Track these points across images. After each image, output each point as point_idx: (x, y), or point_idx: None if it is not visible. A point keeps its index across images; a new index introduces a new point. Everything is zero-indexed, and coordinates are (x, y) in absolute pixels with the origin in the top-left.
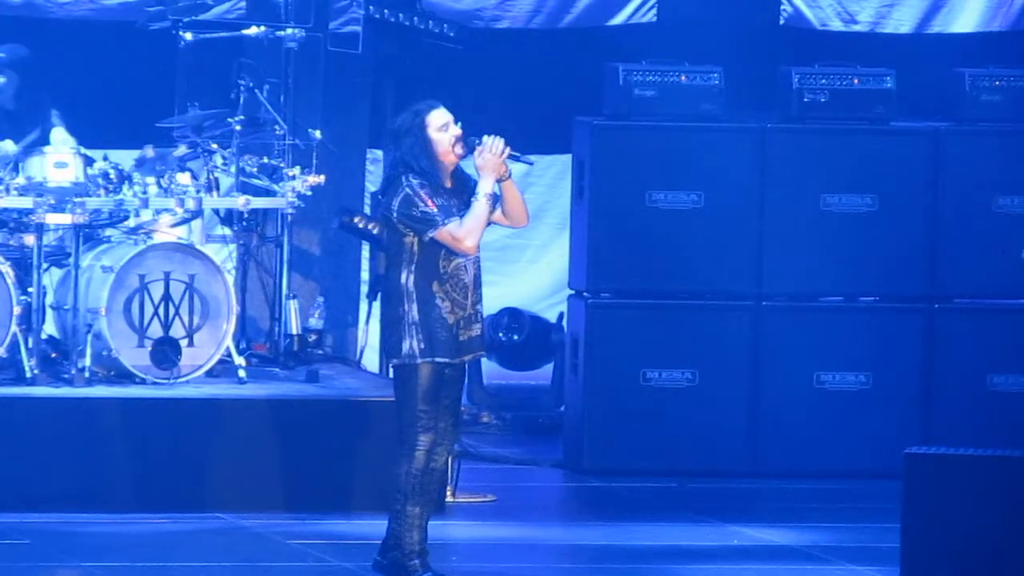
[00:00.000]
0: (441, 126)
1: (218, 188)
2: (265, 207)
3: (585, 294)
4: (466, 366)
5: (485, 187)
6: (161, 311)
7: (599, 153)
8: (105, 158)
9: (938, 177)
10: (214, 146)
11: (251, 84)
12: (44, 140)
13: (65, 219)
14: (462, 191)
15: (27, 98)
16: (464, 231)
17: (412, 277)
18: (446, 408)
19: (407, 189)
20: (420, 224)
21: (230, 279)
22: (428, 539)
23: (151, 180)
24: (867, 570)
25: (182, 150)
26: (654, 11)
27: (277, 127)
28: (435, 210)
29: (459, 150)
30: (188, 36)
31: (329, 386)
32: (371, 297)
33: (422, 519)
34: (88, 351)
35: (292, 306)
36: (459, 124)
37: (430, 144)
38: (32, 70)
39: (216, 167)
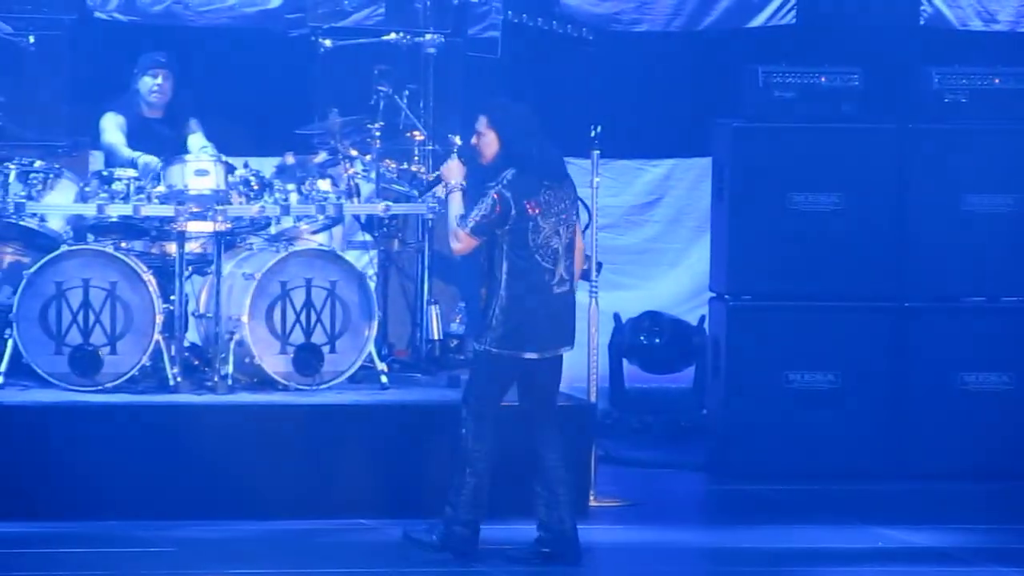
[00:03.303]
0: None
1: (358, 194)
2: (405, 213)
3: (726, 296)
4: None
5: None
6: (302, 318)
7: (739, 155)
8: (246, 165)
9: None
10: (354, 152)
11: (390, 90)
12: (184, 148)
13: (206, 227)
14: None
15: (172, 106)
16: None
17: None
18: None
19: None
20: None
21: (371, 285)
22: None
23: (292, 187)
24: (1013, 572)
25: (322, 157)
26: (793, 12)
27: (417, 132)
28: None
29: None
30: (327, 43)
31: None
32: None
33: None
34: (230, 358)
35: (433, 311)
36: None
37: None
38: (178, 77)
39: (356, 173)
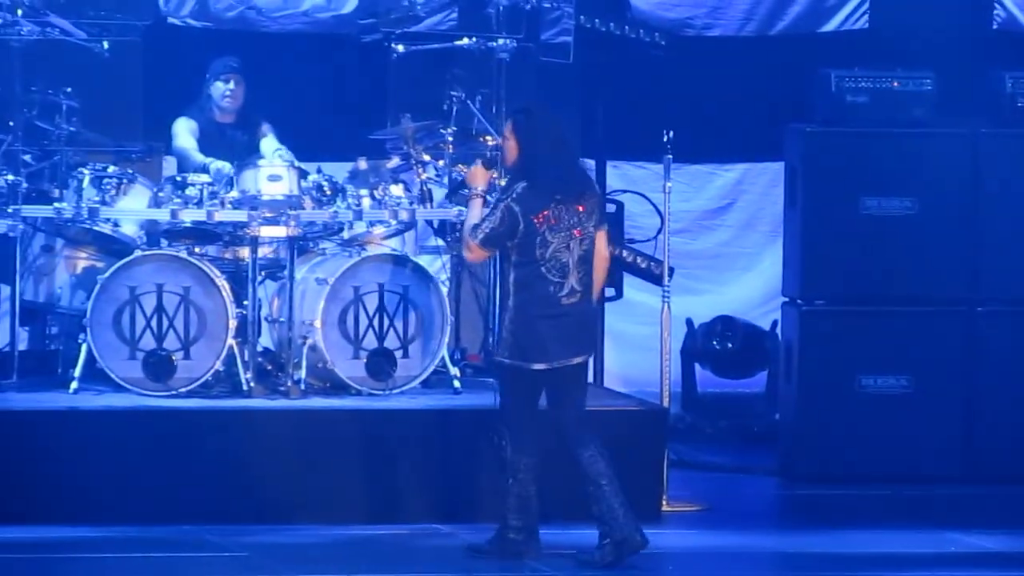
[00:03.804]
0: None
1: (431, 199)
2: None
3: (799, 301)
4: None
5: None
6: (375, 323)
7: (811, 160)
8: (319, 170)
9: None
10: (427, 157)
11: (463, 95)
12: (257, 152)
13: (279, 232)
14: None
15: (244, 111)
16: None
17: None
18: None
19: None
20: None
21: (444, 290)
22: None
23: (364, 192)
24: None
25: (395, 162)
26: (866, 17)
27: (489, 137)
28: None
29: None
30: (400, 48)
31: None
32: None
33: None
34: (303, 363)
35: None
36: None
37: None
38: (250, 82)
39: (429, 178)
